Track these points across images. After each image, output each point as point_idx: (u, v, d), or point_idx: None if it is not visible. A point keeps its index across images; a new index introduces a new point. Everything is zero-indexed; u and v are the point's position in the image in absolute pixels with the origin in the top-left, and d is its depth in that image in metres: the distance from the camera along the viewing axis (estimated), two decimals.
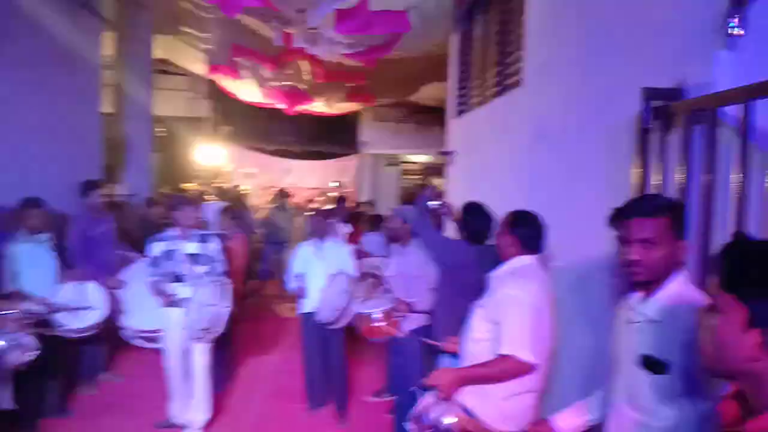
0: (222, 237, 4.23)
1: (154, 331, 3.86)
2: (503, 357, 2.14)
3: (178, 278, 3.69)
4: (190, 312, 3.53)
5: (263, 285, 8.64)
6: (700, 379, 1.45)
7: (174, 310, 3.65)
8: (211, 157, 11.61)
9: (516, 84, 4.22)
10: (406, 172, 15.40)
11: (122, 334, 4.04)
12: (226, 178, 11.87)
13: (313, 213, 5.47)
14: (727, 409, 1.23)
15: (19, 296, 3.41)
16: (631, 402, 1.60)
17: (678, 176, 2.10)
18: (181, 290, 3.67)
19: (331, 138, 12.88)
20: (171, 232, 3.79)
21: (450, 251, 3.25)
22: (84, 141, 5.97)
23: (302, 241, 4.76)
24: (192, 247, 3.75)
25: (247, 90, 8.81)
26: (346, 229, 6.45)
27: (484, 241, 3.22)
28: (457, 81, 6.07)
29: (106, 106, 6.99)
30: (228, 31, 7.21)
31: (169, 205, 4.64)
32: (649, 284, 1.59)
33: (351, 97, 9.35)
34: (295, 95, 8.56)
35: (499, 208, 2.73)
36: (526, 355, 2.12)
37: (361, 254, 4.85)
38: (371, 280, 4.11)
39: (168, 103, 10.68)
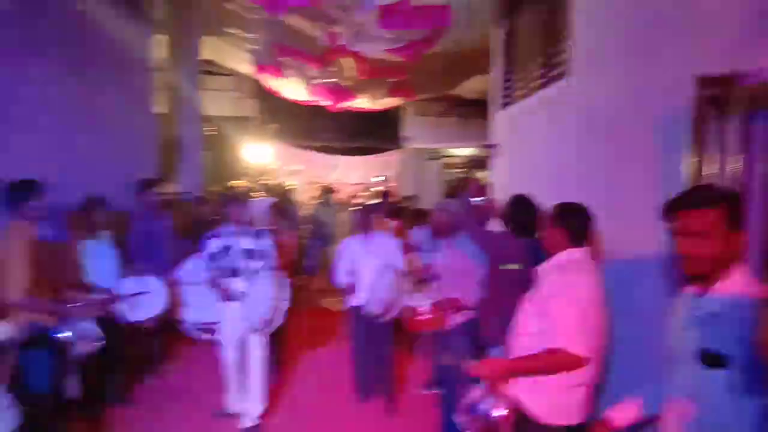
0: (272, 233, 4.36)
1: (211, 324, 4.03)
2: (553, 350, 2.13)
3: (234, 273, 3.84)
4: (249, 305, 3.66)
5: (309, 280, 8.83)
6: (760, 373, 1.42)
7: (231, 303, 3.80)
8: (258, 155, 11.89)
9: (563, 74, 4.15)
10: (448, 166, 15.32)
11: (181, 326, 4.22)
12: (273, 176, 12.13)
13: (358, 208, 5.55)
14: None
15: (84, 288, 3.56)
16: (689, 397, 1.57)
17: (735, 166, 2.04)
18: (237, 284, 3.81)
19: (373, 133, 12.96)
20: (227, 228, 3.93)
21: (496, 245, 3.25)
22: (140, 141, 6.22)
23: (347, 237, 4.83)
24: (247, 242, 3.88)
25: (292, 88, 8.97)
26: (393, 223, 6.50)
27: (531, 234, 3.20)
28: (501, 73, 6.01)
29: (160, 107, 7.26)
30: (273, 32, 7.35)
31: (222, 203, 4.80)
32: (705, 277, 1.56)
33: (393, 92, 9.37)
34: (339, 92, 8.66)
35: (546, 201, 2.71)
36: (576, 348, 2.11)
37: (408, 248, 4.89)
38: (418, 274, 4.15)
39: (215, 103, 11.00)
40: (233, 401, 4.01)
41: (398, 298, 3.89)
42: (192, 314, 4.16)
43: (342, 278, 4.40)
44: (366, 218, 4.47)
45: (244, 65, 9.48)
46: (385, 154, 13.56)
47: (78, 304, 3.17)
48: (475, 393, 2.27)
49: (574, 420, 2.19)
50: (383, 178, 12.10)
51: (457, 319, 3.54)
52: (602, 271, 2.94)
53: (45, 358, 2.94)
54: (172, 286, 4.18)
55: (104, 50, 5.33)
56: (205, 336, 4.10)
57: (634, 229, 2.79)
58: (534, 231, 3.19)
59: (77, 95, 4.74)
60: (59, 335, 2.98)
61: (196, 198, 7.12)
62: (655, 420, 1.77)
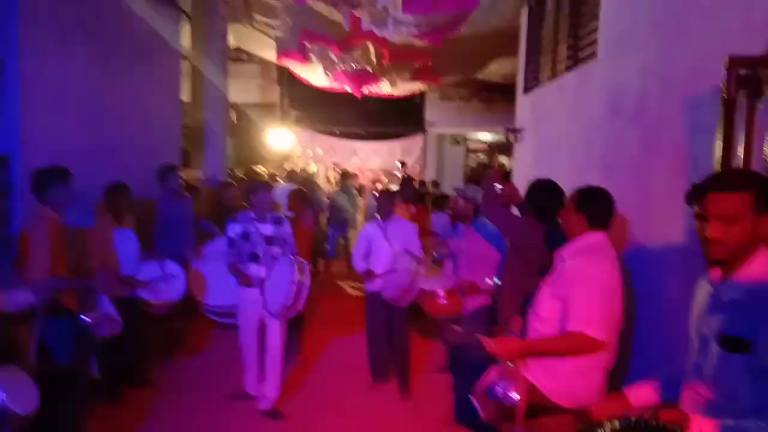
0: (291, 218, 4.38)
1: (231, 308, 4.08)
2: (571, 333, 2.12)
3: (254, 258, 3.87)
4: (268, 290, 3.69)
5: (328, 265, 8.90)
6: None
7: (251, 288, 3.84)
8: (281, 140, 11.97)
9: (590, 56, 4.05)
10: (471, 151, 15.17)
11: (201, 309, 4.28)
12: (295, 161, 12.20)
13: (379, 193, 5.53)
14: None
15: (106, 273, 3.58)
16: (709, 382, 1.54)
17: (766, 149, 1.96)
18: (257, 270, 3.85)
19: (396, 118, 12.89)
20: (247, 214, 3.97)
21: (518, 229, 3.20)
22: (166, 128, 6.29)
23: (366, 222, 4.82)
24: (268, 228, 3.91)
25: (315, 75, 8.96)
26: (413, 208, 6.48)
27: (554, 218, 3.14)
28: (526, 56, 5.90)
29: (186, 94, 7.33)
30: (297, 17, 7.34)
31: (246, 189, 4.83)
32: (729, 262, 1.52)
33: (417, 77, 9.28)
34: (362, 77, 8.62)
35: (571, 186, 2.66)
36: (594, 332, 2.09)
37: (426, 232, 4.88)
38: (437, 259, 4.14)
39: (240, 89, 11.08)
40: (251, 384, 4.07)
41: (415, 282, 3.88)
42: (213, 298, 4.22)
43: (361, 263, 4.41)
44: (385, 203, 4.46)
45: (268, 52, 9.51)
46: (408, 138, 13.47)
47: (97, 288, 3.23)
48: (492, 375, 2.26)
49: (587, 403, 2.17)
50: (404, 163, 12.04)
51: (475, 303, 3.52)
52: (628, 256, 2.89)
53: (67, 328, 2.97)
54: (193, 270, 4.23)
55: (133, 37, 5.37)
56: (226, 320, 4.15)
57: (661, 214, 2.72)
58: (557, 215, 3.14)
59: (105, 82, 4.80)
60: (81, 317, 3.03)
61: (221, 183, 7.21)
62: (673, 405, 1.73)
